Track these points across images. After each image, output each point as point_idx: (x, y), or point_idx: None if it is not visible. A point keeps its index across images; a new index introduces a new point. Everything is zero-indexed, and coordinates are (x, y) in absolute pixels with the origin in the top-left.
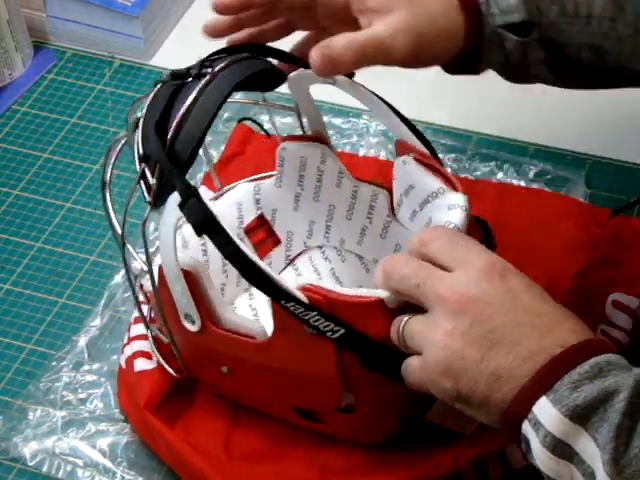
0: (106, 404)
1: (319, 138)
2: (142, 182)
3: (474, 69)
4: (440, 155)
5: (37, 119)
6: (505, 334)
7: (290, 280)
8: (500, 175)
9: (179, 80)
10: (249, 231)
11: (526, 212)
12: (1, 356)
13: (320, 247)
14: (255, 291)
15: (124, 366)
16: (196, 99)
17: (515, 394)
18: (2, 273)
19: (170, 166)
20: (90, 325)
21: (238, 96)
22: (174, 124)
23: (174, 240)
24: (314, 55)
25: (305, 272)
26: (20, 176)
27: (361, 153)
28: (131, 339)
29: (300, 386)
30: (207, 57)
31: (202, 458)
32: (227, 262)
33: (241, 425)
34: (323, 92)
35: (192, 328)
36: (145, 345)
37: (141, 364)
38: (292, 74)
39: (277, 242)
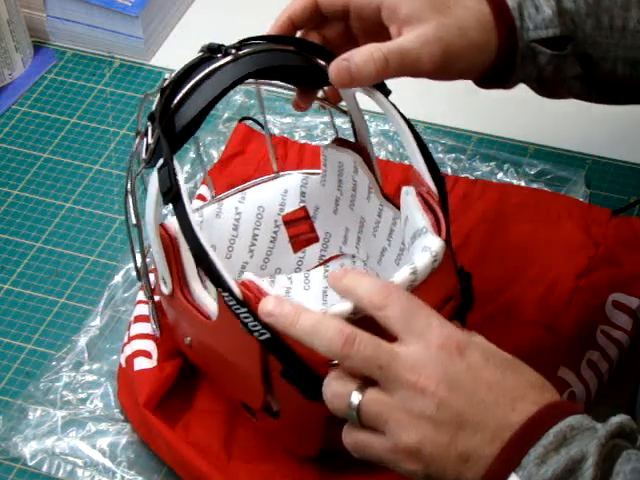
0: (106, 404)
1: (357, 147)
2: (144, 140)
3: (506, 83)
4: (440, 155)
5: (37, 119)
6: (471, 415)
7: (316, 280)
8: (500, 175)
9: (212, 54)
10: (290, 221)
11: (526, 212)
12: (1, 356)
13: (353, 256)
14: (278, 282)
15: (124, 365)
16: (207, 76)
17: (484, 474)
18: (2, 273)
19: (160, 132)
20: (90, 325)
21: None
22: (179, 96)
23: (156, 202)
24: (332, 67)
25: None
26: (20, 176)
27: None
28: (131, 338)
29: (234, 376)
30: (248, 38)
31: (202, 457)
32: (256, 242)
33: (241, 425)
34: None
35: (165, 290)
36: (145, 344)
37: (141, 363)
38: None
39: (315, 240)
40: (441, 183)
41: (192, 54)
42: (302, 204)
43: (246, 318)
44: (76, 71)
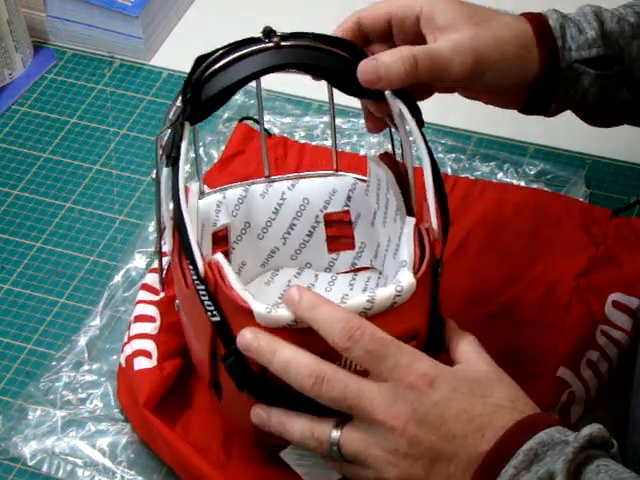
0: (106, 404)
1: (397, 164)
2: (177, 101)
3: (548, 107)
4: (440, 155)
5: (37, 119)
6: (442, 448)
7: (340, 285)
8: (500, 175)
9: (263, 37)
10: (331, 221)
11: (526, 212)
12: (1, 356)
13: (380, 273)
14: (304, 275)
15: (124, 365)
16: (243, 57)
17: None
18: (2, 273)
19: (185, 99)
20: (90, 325)
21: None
22: (210, 70)
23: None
24: (360, 66)
25: (356, 287)
26: (20, 176)
27: (361, 153)
28: (131, 338)
29: (195, 348)
30: (306, 33)
31: (201, 457)
32: (292, 231)
33: None
34: (323, 91)
35: (166, 248)
36: (145, 344)
37: (141, 363)
38: (387, 92)
39: (352, 247)
40: (446, 223)
41: (192, 54)
42: (346, 208)
43: (203, 296)
44: (76, 71)
